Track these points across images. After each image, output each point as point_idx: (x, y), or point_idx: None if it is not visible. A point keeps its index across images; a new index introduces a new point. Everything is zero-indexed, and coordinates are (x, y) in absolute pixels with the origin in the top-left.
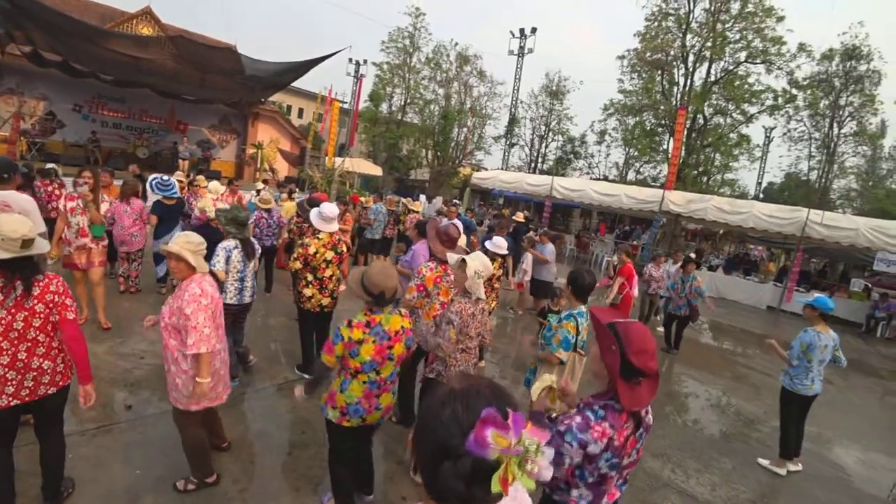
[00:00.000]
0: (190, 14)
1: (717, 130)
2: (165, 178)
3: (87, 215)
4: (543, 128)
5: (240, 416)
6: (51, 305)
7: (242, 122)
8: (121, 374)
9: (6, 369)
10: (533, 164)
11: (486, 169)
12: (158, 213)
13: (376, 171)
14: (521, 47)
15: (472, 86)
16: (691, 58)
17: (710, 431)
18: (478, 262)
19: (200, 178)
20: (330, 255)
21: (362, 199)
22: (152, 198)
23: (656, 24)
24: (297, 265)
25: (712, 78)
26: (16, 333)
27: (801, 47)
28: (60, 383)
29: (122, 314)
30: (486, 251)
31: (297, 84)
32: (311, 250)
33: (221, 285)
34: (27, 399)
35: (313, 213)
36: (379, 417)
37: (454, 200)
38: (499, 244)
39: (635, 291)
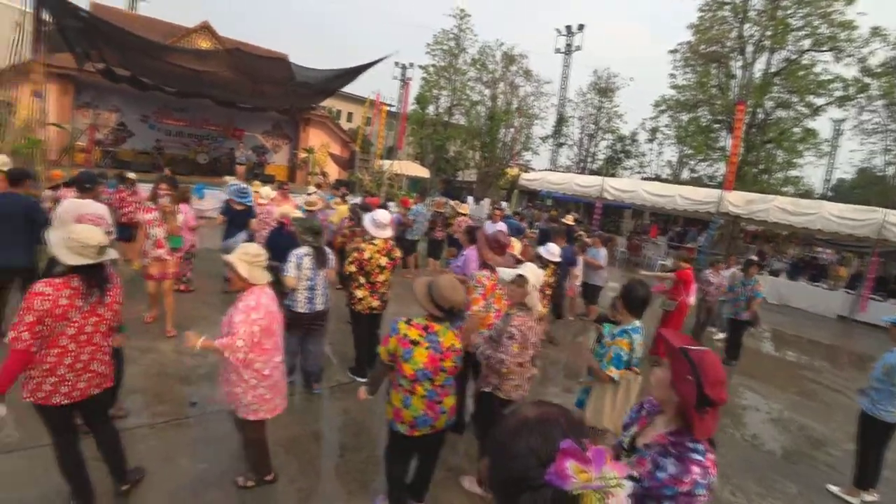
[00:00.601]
0: (244, 26)
1: (780, 125)
2: (243, 186)
3: (165, 227)
4: (592, 126)
5: (296, 417)
6: (115, 313)
7: (294, 127)
8: (186, 372)
9: (68, 370)
10: (582, 164)
11: (534, 169)
12: (227, 214)
13: (424, 173)
14: (569, 45)
15: (519, 85)
16: (750, 48)
17: (772, 451)
18: (532, 275)
19: (256, 182)
20: (384, 260)
21: (410, 200)
22: (199, 204)
23: (711, 14)
24: (352, 269)
25: (773, 69)
26: (84, 337)
27: (875, 31)
28: (105, 385)
29: (184, 313)
30: (539, 258)
31: (345, 89)
32: (366, 255)
33: (288, 293)
34: (77, 398)
35: (367, 219)
36: (446, 420)
37: (500, 202)
38: (553, 251)
39: (692, 300)
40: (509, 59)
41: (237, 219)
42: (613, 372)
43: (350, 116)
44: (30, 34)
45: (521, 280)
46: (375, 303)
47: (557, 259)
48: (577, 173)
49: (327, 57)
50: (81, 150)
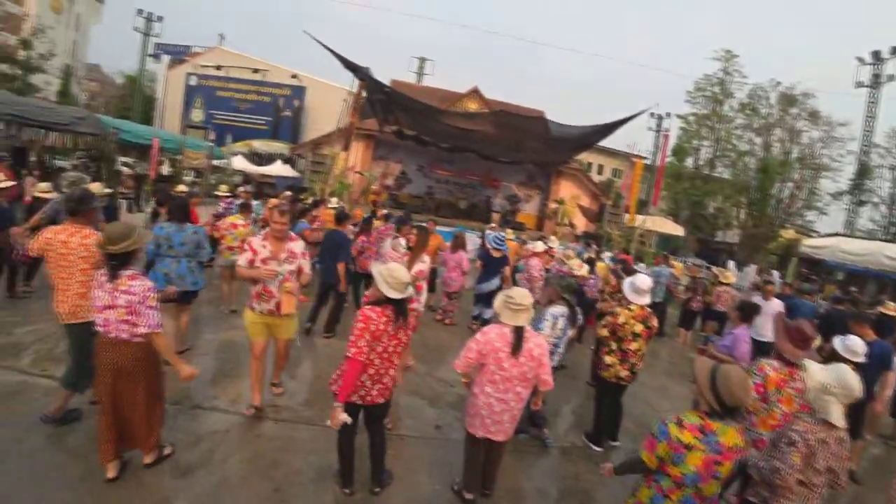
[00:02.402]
0: (507, 87)
1: None
2: (501, 235)
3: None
4: None
5: (522, 467)
6: (408, 339)
7: (547, 178)
8: (434, 396)
9: (368, 379)
10: (894, 229)
11: (818, 233)
12: (483, 260)
13: (676, 230)
14: (876, 75)
15: (801, 130)
16: None
17: None
18: (828, 375)
19: (509, 230)
20: (639, 327)
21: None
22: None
23: None
24: (605, 332)
25: None
26: (387, 354)
27: None
28: (388, 396)
29: (438, 342)
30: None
31: None
32: (620, 320)
33: None
34: (367, 402)
35: (626, 283)
36: None
37: (769, 272)
38: (854, 347)
39: None
40: (788, 100)
41: (492, 265)
42: None
43: (601, 169)
44: (350, 106)
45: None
46: (624, 373)
47: (861, 359)
48: (885, 241)
49: (580, 110)
50: (374, 192)
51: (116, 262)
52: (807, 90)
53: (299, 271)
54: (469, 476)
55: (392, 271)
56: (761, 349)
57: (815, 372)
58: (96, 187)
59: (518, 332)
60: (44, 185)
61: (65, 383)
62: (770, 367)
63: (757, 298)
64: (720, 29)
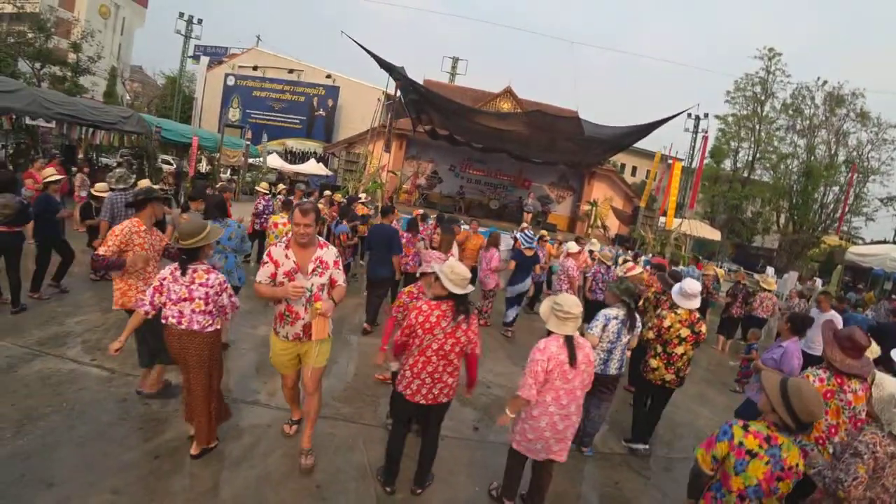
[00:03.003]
0: (541, 86)
1: None
2: (530, 233)
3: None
4: None
5: (562, 473)
6: (469, 339)
7: (579, 179)
8: (472, 397)
9: (428, 376)
10: None
11: (862, 239)
12: (517, 259)
13: (713, 234)
14: None
15: (849, 132)
16: None
17: None
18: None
19: (543, 231)
20: (685, 332)
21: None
22: None
23: None
24: (651, 335)
25: None
26: (443, 352)
27: None
28: (448, 397)
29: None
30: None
31: None
32: (666, 323)
33: None
34: (429, 402)
35: (675, 288)
36: None
37: (813, 279)
38: None
39: None
40: (835, 100)
41: (525, 264)
42: None
43: (634, 170)
44: (385, 106)
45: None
46: (669, 376)
47: None
48: None
49: (618, 109)
50: (406, 191)
51: (188, 256)
52: (855, 90)
53: (332, 283)
54: (510, 483)
55: (454, 268)
56: (813, 364)
57: (888, 384)
58: (144, 184)
59: (570, 342)
60: (101, 185)
61: (142, 363)
62: (816, 378)
63: (813, 311)
64: (763, 27)
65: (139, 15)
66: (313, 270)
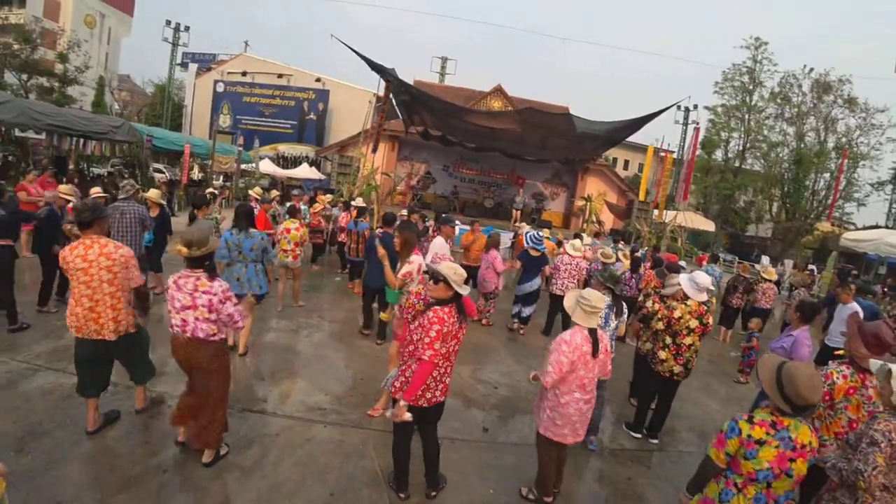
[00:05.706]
0: (531, 84)
1: None
2: (539, 234)
3: None
4: None
5: (572, 469)
6: (462, 335)
7: (573, 176)
8: (479, 398)
9: (433, 380)
10: None
11: (854, 225)
12: (523, 260)
13: (706, 225)
14: None
15: (837, 118)
16: None
17: None
18: None
19: (546, 230)
20: (694, 323)
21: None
22: None
23: None
24: (660, 326)
25: None
26: (447, 354)
27: None
28: (445, 395)
29: (478, 344)
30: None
31: None
32: (677, 314)
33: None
34: (431, 403)
35: (685, 279)
36: None
37: (808, 267)
38: None
39: None
40: (823, 87)
41: (532, 264)
42: None
43: (626, 164)
44: (376, 108)
45: (888, 375)
46: (677, 368)
47: None
48: None
49: (607, 104)
50: (400, 192)
51: (193, 264)
52: (842, 76)
53: None
54: (546, 480)
55: (455, 269)
56: (831, 356)
57: None
58: (155, 194)
59: (593, 334)
60: (64, 188)
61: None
62: (839, 375)
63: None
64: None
65: (125, 24)
66: None
